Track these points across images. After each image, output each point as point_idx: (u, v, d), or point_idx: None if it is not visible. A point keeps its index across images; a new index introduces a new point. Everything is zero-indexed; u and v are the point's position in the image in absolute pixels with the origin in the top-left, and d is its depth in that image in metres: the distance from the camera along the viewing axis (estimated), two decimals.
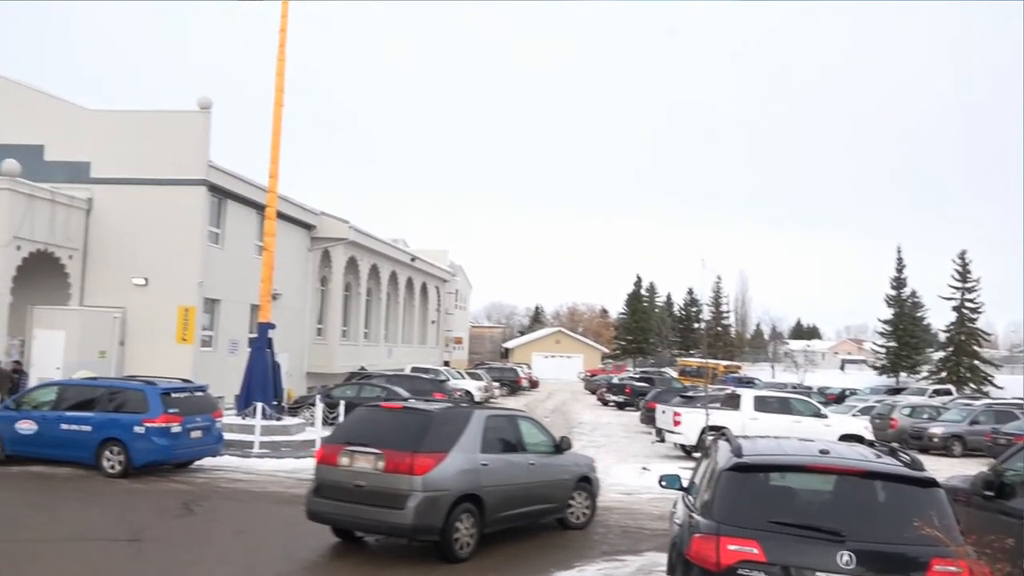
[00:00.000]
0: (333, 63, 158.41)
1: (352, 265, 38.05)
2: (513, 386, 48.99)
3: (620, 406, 40.33)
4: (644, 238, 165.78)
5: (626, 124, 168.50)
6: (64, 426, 15.15)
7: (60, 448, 15.20)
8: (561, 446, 11.70)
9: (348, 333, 38.88)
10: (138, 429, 14.68)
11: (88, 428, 15.00)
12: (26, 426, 15.35)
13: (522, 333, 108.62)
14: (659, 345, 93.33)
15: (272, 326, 21.16)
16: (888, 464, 6.28)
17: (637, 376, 50.85)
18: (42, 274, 24.37)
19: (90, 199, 25.77)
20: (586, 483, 11.98)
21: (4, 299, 22.65)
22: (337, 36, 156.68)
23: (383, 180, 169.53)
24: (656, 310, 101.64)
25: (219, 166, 26.46)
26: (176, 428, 14.93)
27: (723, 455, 6.34)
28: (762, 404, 21.67)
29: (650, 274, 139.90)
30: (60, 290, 25.11)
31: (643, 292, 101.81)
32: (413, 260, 47.28)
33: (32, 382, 21.67)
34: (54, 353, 23.40)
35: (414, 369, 37.39)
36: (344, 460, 9.52)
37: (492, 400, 39.65)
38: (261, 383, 20.19)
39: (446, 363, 53.58)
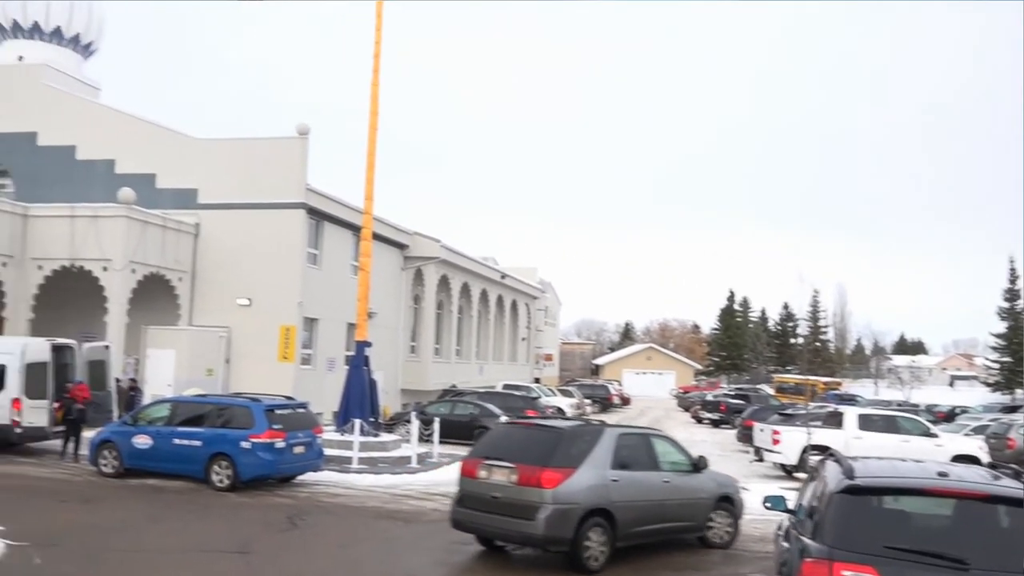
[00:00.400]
0: (420, 79, 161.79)
1: (444, 283, 38.62)
2: (605, 403, 48.64)
3: (715, 424, 39.53)
4: (736, 252, 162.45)
5: (717, 135, 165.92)
6: (176, 441, 15.84)
7: (173, 462, 15.89)
8: (699, 465, 11.72)
9: (440, 351, 39.43)
10: (244, 444, 15.22)
11: (198, 443, 15.65)
12: (142, 441, 16.13)
13: (612, 349, 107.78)
14: (754, 361, 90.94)
15: (369, 344, 21.64)
16: (1011, 487, 5.94)
17: (732, 393, 49.67)
18: (154, 296, 25.69)
19: (197, 224, 27.05)
20: (727, 503, 11.90)
21: (121, 320, 23.96)
22: (422, 55, 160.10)
23: (472, 197, 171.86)
24: (750, 325, 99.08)
25: (316, 189, 27.38)
26: (280, 444, 15.42)
27: (833, 476, 6.13)
28: (867, 423, 20.82)
29: (743, 288, 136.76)
30: (171, 311, 26.40)
31: (736, 307, 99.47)
32: (503, 278, 47.64)
33: (146, 399, 22.81)
34: (166, 371, 24.60)
35: (506, 386, 37.57)
36: (482, 473, 10.24)
37: (584, 417, 39.49)
38: (359, 400, 20.64)
39: (536, 380, 53.61)
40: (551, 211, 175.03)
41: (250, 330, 26.32)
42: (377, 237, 28.76)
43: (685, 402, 55.61)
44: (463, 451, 22.78)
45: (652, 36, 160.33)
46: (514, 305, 52.63)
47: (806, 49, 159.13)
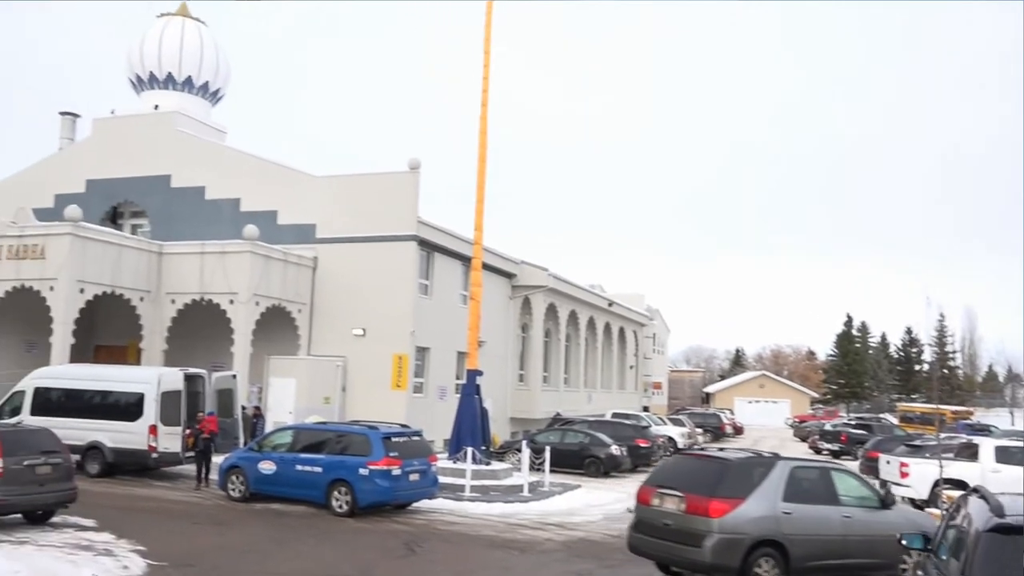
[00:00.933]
0: (518, 107, 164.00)
1: (552, 312, 38.75)
2: (716, 432, 47.40)
3: (835, 455, 37.78)
4: (853, 275, 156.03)
5: (831, 154, 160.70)
6: (299, 467, 16.45)
7: (295, 487, 16.50)
8: (887, 501, 11.55)
9: (549, 379, 39.47)
10: (363, 471, 15.66)
11: (319, 469, 16.20)
12: (267, 466, 16.82)
13: (723, 377, 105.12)
14: (875, 389, 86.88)
15: (480, 373, 21.92)
16: None
17: (853, 422, 47.47)
18: (276, 327, 26.85)
19: (315, 258, 28.19)
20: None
21: (246, 350, 25.15)
22: (516, 80, 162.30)
23: (576, 224, 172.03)
24: (870, 351, 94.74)
25: (427, 221, 28.09)
26: (396, 471, 15.77)
27: (979, 514, 5.79)
28: (1005, 455, 19.50)
29: (861, 312, 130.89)
30: (291, 341, 27.52)
31: (854, 332, 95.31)
32: (610, 305, 47.39)
33: (268, 426, 23.79)
34: (287, 399, 25.60)
35: (615, 415, 37.20)
36: (655, 501, 10.80)
37: (696, 447, 38.58)
38: (471, 428, 20.90)
39: (645, 408, 52.86)
40: (657, 237, 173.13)
41: (365, 359, 27.12)
42: (486, 267, 29.19)
43: (802, 432, 53.52)
44: (574, 480, 22.87)
45: (765, 58, 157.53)
46: (622, 333, 52.21)
47: (926, 61, 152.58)
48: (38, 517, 13.61)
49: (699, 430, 41.86)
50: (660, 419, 40.39)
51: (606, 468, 25.26)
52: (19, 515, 13.36)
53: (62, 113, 34.66)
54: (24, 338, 28.30)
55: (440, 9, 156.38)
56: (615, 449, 25.57)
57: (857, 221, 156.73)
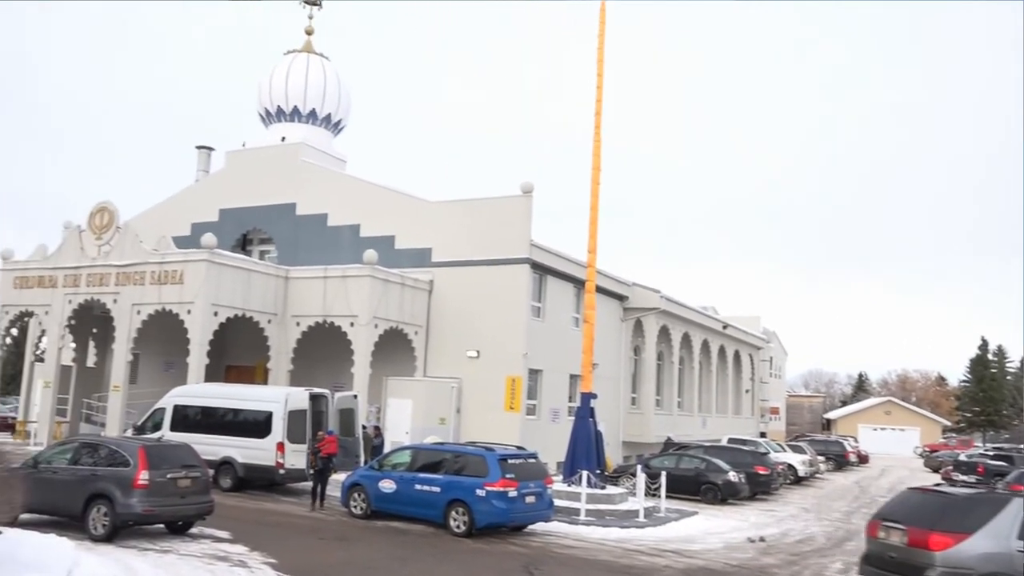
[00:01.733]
0: (635, 123, 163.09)
1: (664, 334, 38.24)
2: (840, 460, 45.41)
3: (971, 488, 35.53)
4: (987, 296, 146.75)
5: (958, 169, 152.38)
6: (417, 487, 16.81)
7: (414, 506, 16.86)
8: None
9: (662, 402, 38.89)
10: (479, 492, 15.86)
11: (437, 489, 16.51)
12: (387, 485, 17.28)
13: (844, 403, 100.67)
14: (1015, 418, 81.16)
15: (594, 396, 21.86)
16: None
17: (991, 453, 44.50)
18: (393, 348, 27.63)
19: (431, 281, 28.89)
20: None
21: (365, 371, 25.97)
22: (619, 106, 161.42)
23: (689, 245, 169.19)
24: (1008, 377, 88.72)
25: (540, 244, 28.34)
26: (513, 492, 15.90)
27: None
28: None
29: (997, 335, 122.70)
30: (408, 363, 28.23)
31: (990, 356, 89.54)
32: (725, 327, 46.33)
33: (387, 445, 24.44)
34: (404, 419, 26.25)
35: (731, 440, 36.24)
36: (881, 533, 11.22)
37: (817, 476, 37.08)
38: (585, 451, 20.83)
39: (762, 434, 51.24)
40: (772, 257, 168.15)
41: (479, 381, 27.51)
42: (598, 289, 29.10)
43: (933, 462, 50.57)
44: (690, 507, 22.44)
45: (891, 75, 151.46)
46: (737, 356, 50.91)
47: None
48: (178, 528, 14.47)
49: (821, 458, 40.24)
50: (779, 445, 39.07)
51: (723, 495, 24.63)
52: (161, 525, 14.25)
53: (198, 147, 37.01)
54: (164, 358, 30.22)
55: (548, 32, 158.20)
56: (733, 476, 24.92)
57: (992, 236, 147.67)
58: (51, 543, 11.23)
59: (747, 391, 53.79)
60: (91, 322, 30.52)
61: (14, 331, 31.89)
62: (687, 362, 42.53)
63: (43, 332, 29.57)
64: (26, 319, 30.17)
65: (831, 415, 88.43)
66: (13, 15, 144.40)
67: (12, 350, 34.89)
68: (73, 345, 30.95)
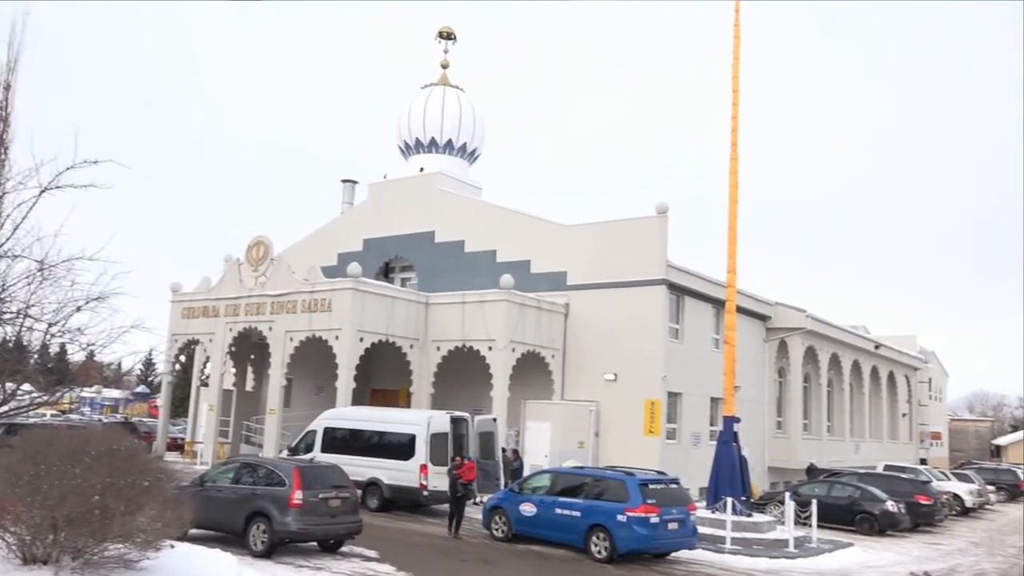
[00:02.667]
0: (774, 139, 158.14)
1: (810, 355, 36.61)
2: (1012, 491, 41.79)
3: None
4: None
5: None
6: (558, 511, 16.80)
7: (554, 530, 16.84)
8: None
9: (810, 427, 37.16)
10: (620, 517, 15.66)
11: (577, 514, 16.43)
12: (527, 509, 17.36)
13: (1015, 428, 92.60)
14: None
15: (737, 420, 21.20)
16: None
17: None
18: (531, 372, 27.83)
19: (567, 304, 28.96)
20: None
21: (504, 394, 26.28)
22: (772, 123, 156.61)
23: (834, 263, 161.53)
24: None
25: (676, 265, 27.87)
26: (654, 519, 15.60)
27: None
28: None
29: None
30: (545, 386, 28.35)
31: None
32: (877, 348, 43.80)
33: (526, 469, 24.56)
34: (542, 442, 26.32)
35: (888, 467, 34.13)
36: None
37: (987, 507, 34.27)
38: (729, 477, 20.20)
39: (923, 461, 47.92)
40: (928, 274, 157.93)
41: (616, 404, 27.24)
42: (738, 309, 28.33)
43: None
44: (844, 537, 21.26)
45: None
46: (891, 377, 47.97)
47: None
48: (330, 546, 15.09)
49: (990, 487, 37.18)
50: (942, 473, 36.44)
51: (881, 526, 23.19)
52: (314, 543, 14.90)
53: (343, 181, 38.87)
54: (315, 382, 31.73)
55: (678, 51, 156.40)
56: (891, 505, 23.42)
57: None
58: (217, 557, 11.98)
59: (904, 415, 50.52)
60: (249, 349, 32.49)
61: (182, 358, 34.44)
62: (836, 384, 40.48)
63: (207, 359, 31.73)
64: (192, 347, 32.47)
65: (1000, 441, 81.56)
66: (174, 61, 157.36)
67: (180, 376, 37.62)
68: (233, 370, 33.03)
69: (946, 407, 74.22)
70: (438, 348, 28.04)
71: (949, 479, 34.23)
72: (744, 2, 22.47)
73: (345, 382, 25.96)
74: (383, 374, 31.12)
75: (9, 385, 12.30)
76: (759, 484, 31.27)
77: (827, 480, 26.36)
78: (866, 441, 42.91)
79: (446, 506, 21.00)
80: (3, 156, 14.93)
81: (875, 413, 45.53)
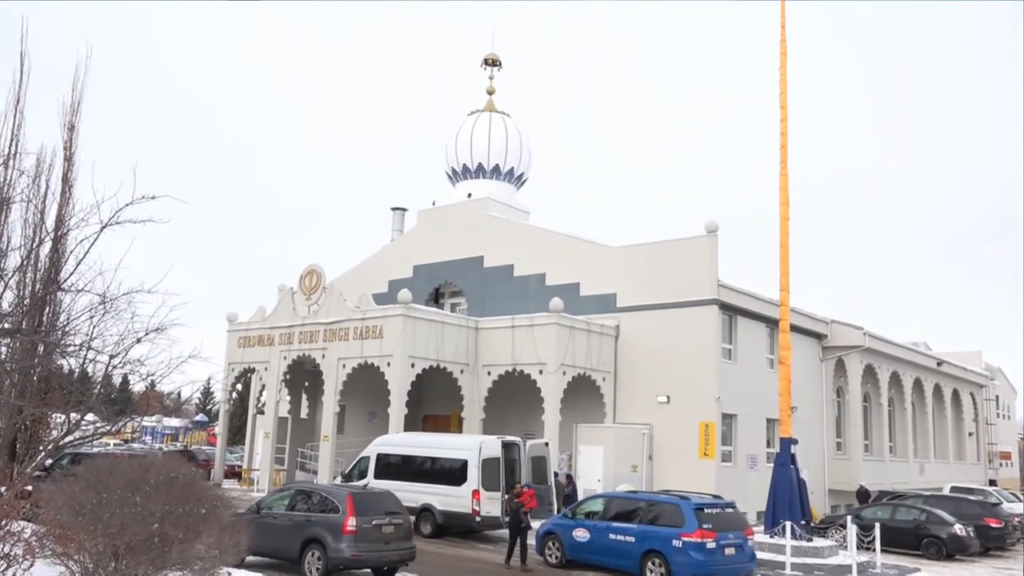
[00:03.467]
0: (826, 153, 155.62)
1: (869, 373, 35.70)
2: None
3: None
4: None
5: None
6: (612, 536, 16.60)
7: (609, 556, 16.63)
8: None
9: (871, 447, 36.13)
10: (676, 543, 15.41)
11: (631, 539, 16.21)
12: (581, 534, 17.19)
13: None
14: None
15: (794, 441, 20.72)
16: None
17: None
18: (582, 395, 27.67)
19: (617, 326, 28.78)
20: None
21: (555, 418, 26.16)
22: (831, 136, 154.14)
23: (892, 279, 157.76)
24: None
25: (728, 284, 27.52)
26: (711, 544, 15.31)
27: None
28: None
29: None
30: (596, 409, 28.15)
31: None
32: (939, 365, 42.51)
33: (579, 493, 24.35)
34: (595, 466, 26.10)
35: (954, 489, 33.00)
36: None
37: None
38: (787, 500, 19.72)
39: (992, 482, 46.12)
40: (990, 287, 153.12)
41: (670, 427, 26.90)
42: (793, 328, 27.83)
43: None
44: (909, 562, 20.57)
45: None
46: (955, 395, 46.47)
47: None
48: (384, 573, 15.10)
49: None
50: (1013, 495, 35.07)
51: (949, 550, 22.38)
52: (368, 570, 14.94)
53: (393, 208, 39.42)
54: (367, 408, 32.02)
55: (729, 69, 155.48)
56: (959, 528, 22.61)
57: None
58: None
59: (971, 434, 48.83)
60: (303, 376, 32.97)
61: (239, 387, 35.08)
62: (897, 403, 39.35)
63: (263, 387, 32.27)
64: (249, 375, 33.07)
65: None
66: (227, 96, 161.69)
67: (237, 404, 38.33)
68: (288, 398, 33.53)
69: (1016, 425, 71.46)
70: (488, 373, 28.07)
71: (1020, 500, 32.90)
72: (788, 24, 22.30)
73: (397, 408, 26.13)
74: (434, 399, 31.24)
75: (74, 416, 12.66)
76: (819, 507, 30.50)
77: (891, 503, 25.57)
78: (931, 462, 41.55)
79: (499, 532, 21.01)
80: (68, 194, 15.49)
81: (940, 433, 44.11)
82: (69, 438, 12.77)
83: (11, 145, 13.46)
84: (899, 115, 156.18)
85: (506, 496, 19.68)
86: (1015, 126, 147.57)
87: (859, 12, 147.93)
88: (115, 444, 39.95)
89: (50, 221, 14.19)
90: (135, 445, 45.32)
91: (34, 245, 13.21)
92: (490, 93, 37.31)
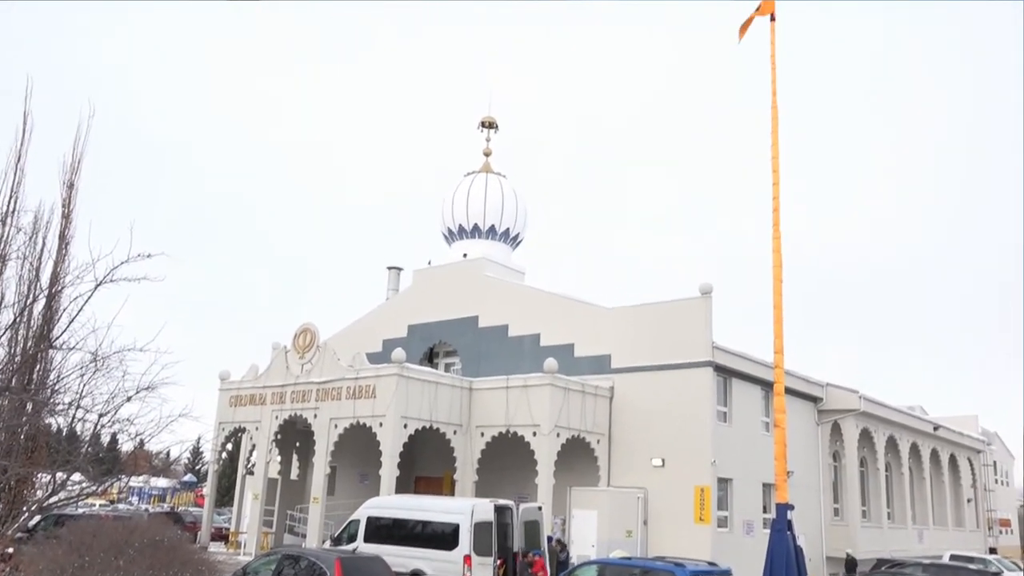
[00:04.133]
0: (818, 215, 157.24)
1: (866, 437, 35.46)
2: None
3: None
4: None
5: None
6: None
7: None
8: None
9: (868, 513, 35.67)
10: None
11: None
12: None
13: None
14: None
15: (791, 507, 20.33)
16: None
17: None
18: (575, 457, 27.36)
19: (611, 387, 28.65)
20: None
21: (549, 481, 25.82)
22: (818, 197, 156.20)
23: (885, 342, 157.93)
24: None
25: (722, 346, 27.51)
26: None
27: None
28: None
29: None
30: (590, 472, 27.81)
31: None
32: (936, 429, 42.28)
33: (573, 559, 23.87)
34: (589, 531, 25.65)
35: (954, 557, 32.47)
36: None
37: None
38: (784, 567, 19.24)
39: (992, 550, 45.47)
40: (983, 351, 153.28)
41: (664, 491, 26.56)
42: (788, 391, 27.69)
43: None
44: None
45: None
46: (953, 460, 46.10)
47: None
48: None
49: None
50: (1014, 564, 34.53)
51: None
52: None
53: (389, 268, 39.57)
54: (359, 470, 31.60)
55: (725, 133, 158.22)
56: None
57: None
58: None
59: (969, 500, 48.31)
60: (294, 436, 32.60)
61: (229, 446, 34.64)
62: (895, 468, 39.01)
63: (253, 447, 31.88)
64: (239, 435, 32.70)
65: None
66: (222, 154, 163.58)
67: (227, 464, 37.81)
68: (279, 458, 33.10)
69: (1015, 492, 70.78)
70: (482, 434, 27.80)
71: (1021, 569, 32.37)
72: (780, 83, 22.68)
73: (388, 469, 25.77)
74: (427, 461, 30.87)
75: (60, 475, 12.47)
76: (817, 575, 29.94)
77: (890, 571, 25.14)
78: (930, 529, 41.00)
79: None
80: (64, 252, 15.54)
81: (938, 499, 43.64)
82: (54, 499, 12.54)
83: (10, 202, 13.53)
84: (899, 180, 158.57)
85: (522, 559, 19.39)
86: (1015, 192, 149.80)
87: (857, 71, 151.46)
88: (101, 505, 39.19)
89: (45, 278, 14.19)
90: (121, 506, 44.51)
91: (28, 302, 13.19)
92: (486, 155, 37.83)
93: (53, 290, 12.75)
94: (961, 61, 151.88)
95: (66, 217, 15.79)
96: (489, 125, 38.46)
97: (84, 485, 13.52)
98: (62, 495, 12.70)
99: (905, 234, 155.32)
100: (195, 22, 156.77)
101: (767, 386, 28.32)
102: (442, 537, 20.81)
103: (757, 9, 21.31)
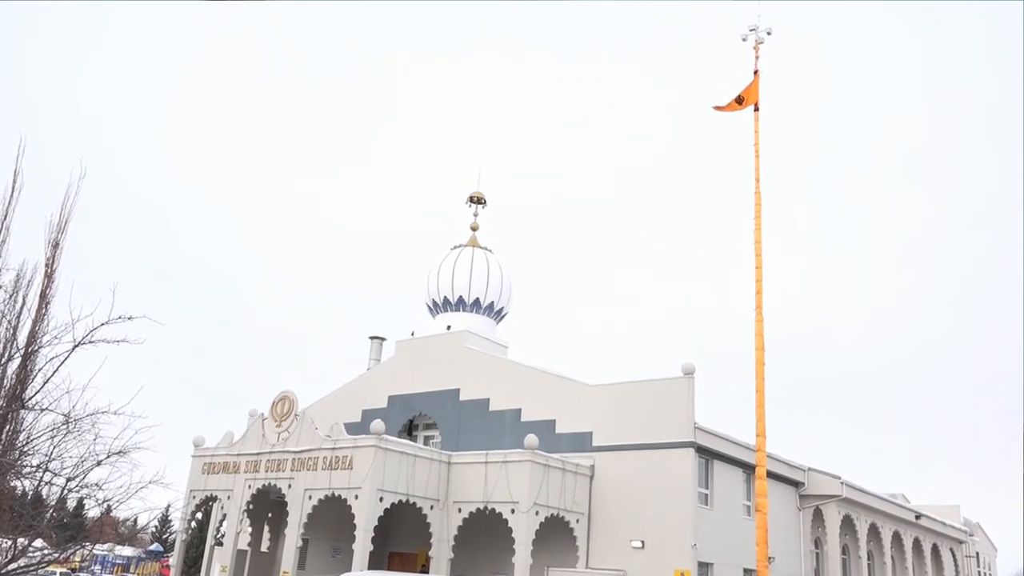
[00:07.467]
0: (802, 298, 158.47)
1: (848, 524, 35.04)
2: None
3: None
4: None
5: None
6: None
7: None
8: None
9: None
10: None
11: None
12: None
13: None
14: None
15: None
16: None
17: None
18: (554, 536, 26.82)
19: (592, 466, 28.29)
20: None
21: (526, 560, 25.20)
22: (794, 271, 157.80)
23: (867, 428, 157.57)
24: None
25: (704, 427, 27.35)
26: None
27: None
28: None
29: None
30: (569, 552, 27.22)
31: None
32: (918, 518, 41.89)
33: None
34: None
35: None
36: None
37: None
38: None
39: None
40: (967, 439, 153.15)
41: (644, 573, 25.98)
42: (770, 475, 27.48)
43: None
44: None
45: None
46: (935, 550, 45.54)
47: None
48: None
49: None
50: None
51: None
52: None
53: (371, 337, 39.37)
54: (332, 543, 30.78)
55: (714, 210, 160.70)
56: None
57: None
58: None
59: None
60: (267, 507, 31.81)
61: (199, 515, 33.68)
62: (876, 557, 38.46)
63: (223, 516, 31.03)
64: (210, 503, 31.86)
65: None
66: (205, 220, 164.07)
67: (196, 534, 36.74)
68: (249, 529, 32.22)
69: None
70: (459, 510, 27.24)
71: None
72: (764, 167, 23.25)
73: (362, 543, 25.08)
74: (402, 536, 30.16)
75: (21, 541, 12.07)
76: None
77: None
78: None
79: None
80: (44, 311, 15.40)
81: None
82: (13, 565, 12.11)
83: None
84: (884, 270, 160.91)
85: None
86: (1010, 282, 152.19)
87: (846, 149, 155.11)
88: (62, 573, 37.82)
89: (22, 337, 14.03)
90: (82, 575, 42.95)
91: (3, 361, 13.00)
92: (474, 229, 38.17)
93: (29, 349, 12.58)
94: (971, 145, 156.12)
95: (48, 275, 15.71)
96: (477, 201, 38.93)
97: (46, 552, 13.08)
98: (22, 561, 12.27)
99: (898, 323, 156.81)
100: (174, 87, 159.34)
101: (749, 469, 28.09)
102: None
103: (740, 101, 21.85)
